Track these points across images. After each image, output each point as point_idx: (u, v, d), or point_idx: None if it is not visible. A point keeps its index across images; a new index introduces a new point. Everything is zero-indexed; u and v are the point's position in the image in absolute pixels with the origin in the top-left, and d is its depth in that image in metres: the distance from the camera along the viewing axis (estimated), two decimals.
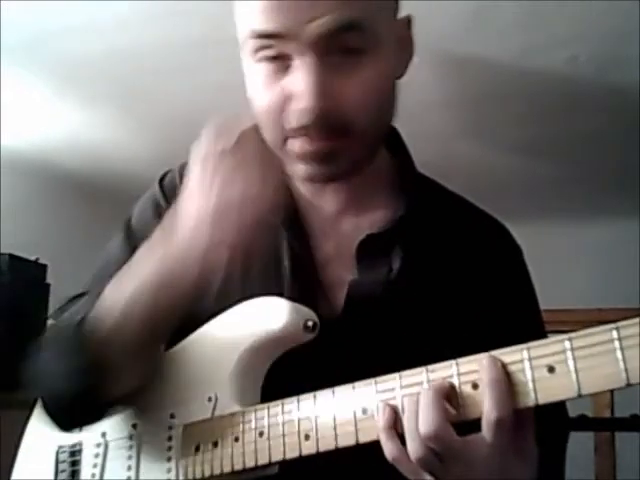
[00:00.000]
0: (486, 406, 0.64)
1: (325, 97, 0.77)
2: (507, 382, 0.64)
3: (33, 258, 3.37)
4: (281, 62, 0.79)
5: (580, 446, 2.24)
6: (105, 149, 3.87)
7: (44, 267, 3.30)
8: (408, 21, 0.87)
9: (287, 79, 0.79)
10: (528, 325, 0.92)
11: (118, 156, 3.94)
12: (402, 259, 0.87)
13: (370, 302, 0.85)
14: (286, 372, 0.83)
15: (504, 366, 0.65)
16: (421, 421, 0.66)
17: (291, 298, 0.83)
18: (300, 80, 0.77)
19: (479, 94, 3.16)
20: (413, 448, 0.66)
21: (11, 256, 3.28)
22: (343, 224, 0.92)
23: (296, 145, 0.81)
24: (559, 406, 0.90)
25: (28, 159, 3.93)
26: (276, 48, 0.78)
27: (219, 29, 2.57)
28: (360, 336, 0.84)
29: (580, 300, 2.84)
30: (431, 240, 0.91)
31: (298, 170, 0.84)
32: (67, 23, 2.60)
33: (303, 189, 0.93)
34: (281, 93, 0.79)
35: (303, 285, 0.87)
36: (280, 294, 0.85)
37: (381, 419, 0.69)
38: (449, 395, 0.67)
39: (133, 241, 0.94)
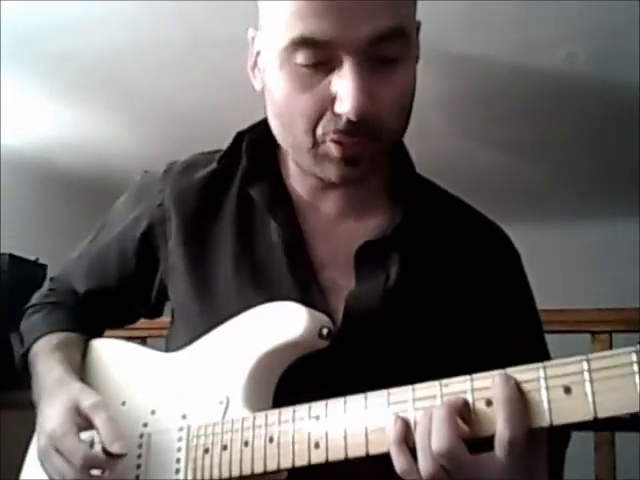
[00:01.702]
0: (499, 425, 0.63)
1: (369, 102, 0.77)
2: (521, 401, 0.63)
3: (33, 258, 3.37)
4: (322, 64, 0.78)
5: (580, 446, 2.23)
6: (104, 148, 3.87)
7: (44, 267, 3.30)
8: (418, 26, 0.88)
9: (330, 81, 0.78)
10: (527, 333, 0.92)
11: (116, 154, 3.95)
12: (399, 267, 0.87)
13: (368, 313, 0.84)
14: (288, 382, 0.83)
15: (518, 384, 0.64)
16: (434, 438, 0.65)
17: (300, 298, 0.83)
18: (348, 83, 0.76)
19: (476, 92, 3.16)
20: (424, 465, 0.66)
21: (11, 256, 3.28)
22: (340, 228, 0.91)
23: (332, 149, 0.81)
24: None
25: (26, 158, 3.93)
26: (322, 53, 0.77)
27: (214, 29, 2.58)
28: (359, 347, 0.83)
29: (580, 300, 2.83)
30: (429, 247, 0.90)
31: (327, 172, 0.84)
32: (63, 22, 2.61)
33: (303, 191, 0.93)
34: (323, 96, 0.79)
35: (300, 287, 0.87)
36: (276, 296, 0.85)
37: (392, 432, 0.68)
38: (462, 411, 0.66)
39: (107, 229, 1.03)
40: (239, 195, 0.94)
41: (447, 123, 3.49)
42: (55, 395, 0.89)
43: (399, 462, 0.67)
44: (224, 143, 0.98)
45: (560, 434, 0.91)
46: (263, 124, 0.93)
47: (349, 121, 0.77)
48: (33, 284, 1.12)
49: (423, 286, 0.88)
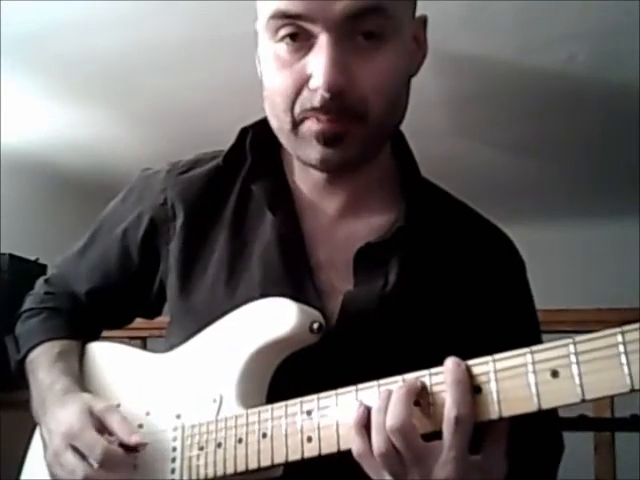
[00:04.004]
0: (447, 405, 0.66)
1: (343, 77, 0.77)
2: (469, 384, 0.66)
3: (33, 258, 3.37)
4: (301, 42, 0.79)
5: (580, 446, 2.23)
6: (104, 148, 3.87)
7: (44, 267, 3.30)
8: (424, 21, 0.88)
9: (306, 59, 0.79)
10: (526, 341, 0.92)
11: (116, 154, 3.94)
12: (398, 272, 0.86)
13: (364, 316, 0.84)
14: (283, 381, 0.83)
15: (468, 369, 0.67)
16: (389, 415, 0.68)
17: (296, 298, 0.83)
18: (320, 58, 0.77)
19: (476, 92, 3.16)
20: (377, 442, 0.68)
21: (11, 256, 3.28)
22: (340, 230, 0.91)
23: (310, 125, 0.81)
24: (553, 426, 0.91)
25: (26, 158, 3.93)
26: (298, 28, 0.78)
27: (213, 29, 2.58)
28: (353, 349, 0.83)
29: (580, 300, 2.83)
30: (430, 251, 0.90)
31: (309, 153, 0.83)
32: (63, 22, 2.61)
33: (305, 188, 0.92)
34: (299, 74, 0.79)
35: (296, 288, 0.86)
36: (270, 295, 0.85)
37: (355, 415, 0.71)
38: (420, 394, 0.69)
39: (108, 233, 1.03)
40: (239, 194, 0.94)
41: (447, 123, 3.49)
42: (65, 402, 0.90)
43: (355, 443, 0.70)
44: (224, 143, 0.98)
45: (552, 444, 0.92)
46: (267, 120, 0.93)
47: (324, 97, 0.77)
48: (33, 285, 1.11)
49: (421, 291, 0.87)
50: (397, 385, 0.70)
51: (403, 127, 0.93)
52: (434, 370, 0.70)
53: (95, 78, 3.07)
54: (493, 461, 0.69)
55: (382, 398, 0.69)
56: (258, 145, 0.94)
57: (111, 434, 0.84)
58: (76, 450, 0.84)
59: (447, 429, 0.66)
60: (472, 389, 0.67)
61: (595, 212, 4.70)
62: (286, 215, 0.90)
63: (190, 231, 0.94)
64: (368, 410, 0.70)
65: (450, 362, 0.68)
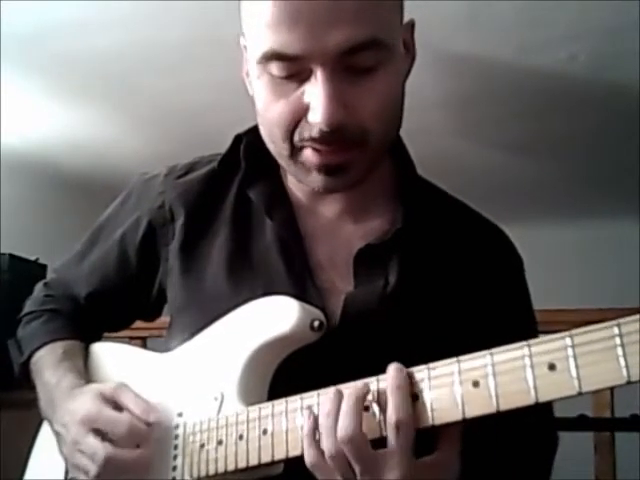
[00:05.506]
0: (388, 410, 0.68)
1: (342, 111, 0.77)
2: (408, 389, 0.69)
3: (33, 258, 3.37)
4: (297, 75, 0.78)
5: (580, 446, 2.23)
6: (104, 148, 3.88)
7: (44, 267, 3.30)
8: (412, 25, 0.87)
9: (303, 90, 0.78)
10: (523, 337, 0.92)
11: (117, 154, 3.94)
12: (398, 273, 0.87)
13: (365, 316, 0.85)
14: (285, 381, 0.83)
15: (410, 375, 0.69)
16: (340, 426, 0.69)
17: (297, 297, 0.83)
18: (319, 93, 0.76)
19: (476, 92, 3.16)
20: (327, 446, 0.69)
21: (11, 256, 3.28)
22: (340, 231, 0.91)
23: (310, 156, 0.81)
24: (547, 423, 0.92)
25: (26, 158, 3.93)
26: (293, 65, 0.77)
27: (213, 29, 2.58)
28: (355, 349, 0.84)
29: (580, 300, 2.84)
30: (430, 251, 0.90)
31: (310, 181, 0.84)
32: (63, 22, 2.61)
33: (302, 193, 0.93)
34: (297, 103, 0.79)
35: (297, 288, 0.87)
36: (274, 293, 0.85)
37: (305, 425, 0.72)
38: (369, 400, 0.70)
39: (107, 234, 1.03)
40: (237, 197, 0.95)
41: (446, 123, 3.49)
42: (74, 395, 0.91)
43: (309, 454, 0.71)
44: (224, 143, 0.98)
45: (545, 439, 0.92)
46: None
47: (323, 131, 0.77)
48: (33, 284, 1.12)
49: (422, 291, 0.88)
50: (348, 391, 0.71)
51: (403, 127, 0.93)
52: (382, 377, 0.71)
53: (95, 78, 3.07)
54: (447, 461, 0.70)
55: (331, 402, 0.71)
56: (252, 152, 0.94)
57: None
58: (97, 432, 0.85)
59: (390, 434, 0.68)
60: (412, 395, 0.68)
61: (595, 212, 4.70)
62: (284, 219, 0.91)
63: (190, 231, 0.94)
64: (316, 419, 0.72)
65: (391, 368, 0.70)
